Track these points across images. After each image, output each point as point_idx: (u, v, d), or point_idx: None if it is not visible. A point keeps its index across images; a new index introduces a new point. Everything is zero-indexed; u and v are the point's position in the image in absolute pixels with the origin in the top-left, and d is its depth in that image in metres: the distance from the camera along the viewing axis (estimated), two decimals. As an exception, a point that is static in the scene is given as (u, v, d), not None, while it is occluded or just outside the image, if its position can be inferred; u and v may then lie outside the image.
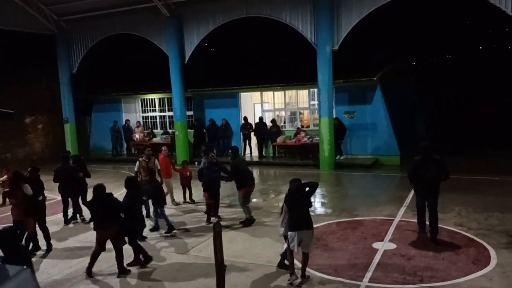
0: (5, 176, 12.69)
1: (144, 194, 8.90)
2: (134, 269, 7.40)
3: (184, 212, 10.97)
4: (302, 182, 6.80)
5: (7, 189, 12.41)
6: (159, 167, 10.92)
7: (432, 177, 7.94)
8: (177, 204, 11.63)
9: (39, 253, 8.44)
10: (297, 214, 6.52)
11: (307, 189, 6.77)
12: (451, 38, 31.64)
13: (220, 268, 5.06)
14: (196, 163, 11.32)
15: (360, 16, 14.87)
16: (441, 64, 33.71)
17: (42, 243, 8.57)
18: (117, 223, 7.23)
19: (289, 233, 6.49)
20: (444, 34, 30.52)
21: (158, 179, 10.51)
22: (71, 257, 8.20)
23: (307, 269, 6.71)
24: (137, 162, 10.75)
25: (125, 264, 7.36)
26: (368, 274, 6.70)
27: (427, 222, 8.33)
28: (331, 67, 15.38)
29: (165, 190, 10.65)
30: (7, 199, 11.37)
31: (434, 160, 8.06)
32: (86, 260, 7.44)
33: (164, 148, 12.20)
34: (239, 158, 9.98)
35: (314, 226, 7.12)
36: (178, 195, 11.92)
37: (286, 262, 6.90)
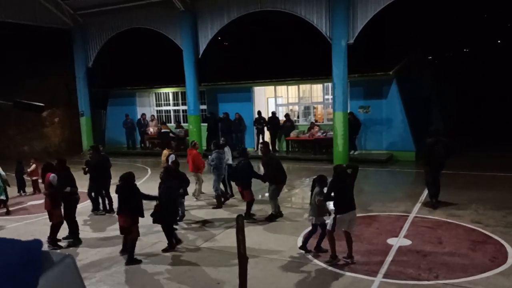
0: (33, 166, 13.02)
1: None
2: (150, 258, 7.49)
3: (194, 206, 11.03)
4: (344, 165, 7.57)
5: (35, 178, 12.82)
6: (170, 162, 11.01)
7: (442, 156, 9.75)
8: (197, 198, 11.68)
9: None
10: (346, 197, 7.03)
11: (349, 171, 7.38)
12: (468, 32, 31.07)
13: (243, 260, 5.13)
14: (209, 157, 11.34)
15: (376, 9, 14.65)
16: (458, 58, 33.17)
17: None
18: (133, 214, 7.41)
19: (338, 216, 6.88)
20: (461, 28, 29.99)
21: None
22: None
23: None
24: (173, 156, 11.03)
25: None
26: (383, 270, 6.66)
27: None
28: (346, 61, 15.22)
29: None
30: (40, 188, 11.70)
31: (442, 142, 9.85)
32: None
33: (194, 142, 12.26)
34: (269, 155, 9.93)
35: (328, 222, 7.38)
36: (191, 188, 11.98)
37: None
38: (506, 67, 27.90)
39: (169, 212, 7.89)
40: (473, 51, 33.56)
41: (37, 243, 1.22)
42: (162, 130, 19.89)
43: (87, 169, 10.65)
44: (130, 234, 7.46)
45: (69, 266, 1.32)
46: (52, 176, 8.37)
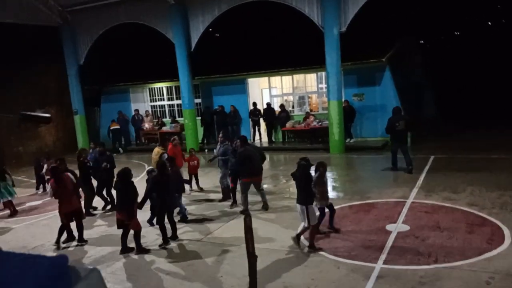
0: (46, 166, 13.09)
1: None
2: (152, 253, 7.55)
3: (193, 201, 11.08)
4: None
5: (47, 178, 12.90)
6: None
7: (402, 129, 11.85)
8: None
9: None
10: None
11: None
12: (459, 14, 31.05)
13: (252, 259, 5.20)
14: (215, 150, 11.37)
15: (367, -3, 14.65)
16: (449, 42, 33.19)
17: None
18: (128, 210, 7.56)
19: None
20: (451, 11, 29.95)
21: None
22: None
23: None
24: (166, 154, 11.01)
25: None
26: (383, 256, 6.75)
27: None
28: (339, 49, 15.23)
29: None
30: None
31: (403, 118, 11.99)
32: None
33: (173, 137, 12.26)
34: (246, 147, 9.64)
35: (327, 210, 7.71)
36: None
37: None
38: (496, 49, 27.99)
39: (158, 206, 8.08)
40: (464, 34, 33.57)
41: (64, 258, 1.25)
42: (112, 128, 20.12)
43: (108, 165, 10.58)
44: (127, 228, 7.65)
45: (96, 280, 1.35)
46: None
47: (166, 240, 8.04)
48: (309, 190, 7.27)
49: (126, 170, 7.81)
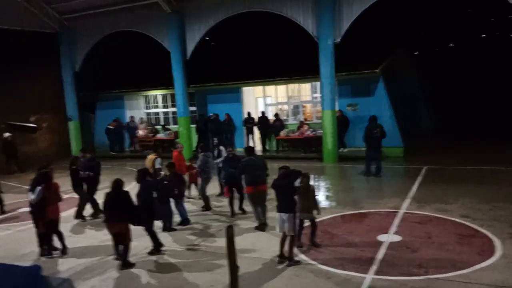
0: None
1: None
2: (143, 262, 7.51)
3: (193, 209, 11.04)
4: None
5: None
6: (157, 166, 10.99)
7: (377, 137, 12.81)
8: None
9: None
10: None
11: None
12: (453, 27, 31.43)
13: (234, 270, 5.20)
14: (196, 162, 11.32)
15: (362, 8, 14.80)
16: (444, 54, 33.53)
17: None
18: (124, 221, 7.40)
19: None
20: (446, 23, 30.32)
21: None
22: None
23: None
24: (159, 159, 11.02)
25: (128, 258, 7.61)
26: (374, 267, 6.76)
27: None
28: (333, 60, 15.34)
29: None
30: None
31: (378, 126, 12.86)
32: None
33: (179, 145, 12.27)
34: (249, 157, 9.34)
35: (320, 219, 7.77)
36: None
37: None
38: (490, 61, 28.30)
39: (148, 213, 7.84)
40: (458, 46, 33.95)
41: (37, 268, 1.26)
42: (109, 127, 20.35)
43: (91, 174, 10.48)
44: (124, 240, 7.47)
45: None
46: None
47: (157, 247, 7.98)
48: (293, 199, 7.21)
49: (117, 181, 7.60)
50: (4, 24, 18.16)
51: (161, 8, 17.78)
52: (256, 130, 18.90)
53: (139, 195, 7.99)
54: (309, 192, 7.73)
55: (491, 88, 25.83)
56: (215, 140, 12.65)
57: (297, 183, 7.48)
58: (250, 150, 9.71)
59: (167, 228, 9.20)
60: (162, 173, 10.26)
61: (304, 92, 19.55)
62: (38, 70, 20.13)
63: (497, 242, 7.42)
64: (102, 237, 8.95)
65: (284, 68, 18.20)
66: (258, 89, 20.09)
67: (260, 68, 18.91)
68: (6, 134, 17.44)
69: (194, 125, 19.61)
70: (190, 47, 18.19)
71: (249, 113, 18.80)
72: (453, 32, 32.22)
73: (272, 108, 20.02)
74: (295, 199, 7.25)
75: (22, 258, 8.16)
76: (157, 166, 10.94)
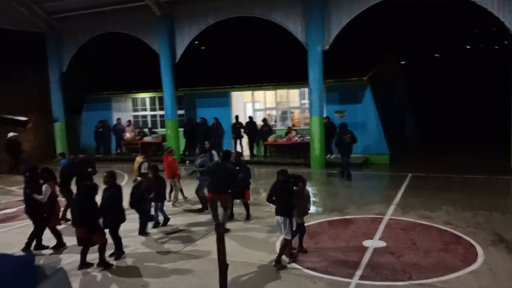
0: None
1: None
2: (130, 266, 7.46)
3: (176, 212, 11.01)
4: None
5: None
6: (142, 171, 10.96)
7: (348, 143, 13.47)
8: (173, 205, 11.62)
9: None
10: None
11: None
12: (439, 38, 32.03)
13: (223, 268, 5.23)
14: (195, 162, 11.39)
15: (351, 16, 14.99)
16: (430, 63, 34.12)
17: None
18: (89, 225, 7.38)
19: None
20: (432, 34, 30.88)
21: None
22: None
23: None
24: (146, 164, 10.98)
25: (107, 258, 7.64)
26: (359, 272, 6.83)
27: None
28: (321, 66, 15.50)
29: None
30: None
31: (349, 132, 13.48)
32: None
33: (170, 149, 12.22)
34: (218, 163, 9.50)
35: (306, 224, 7.83)
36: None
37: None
38: (476, 72, 28.88)
39: (113, 217, 7.75)
40: (445, 56, 34.58)
41: (30, 257, 1.28)
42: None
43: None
44: (90, 244, 7.44)
45: (62, 279, 1.38)
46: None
47: (120, 251, 7.96)
48: (290, 203, 7.26)
49: (87, 187, 7.60)
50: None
51: (151, 11, 17.75)
52: (244, 135, 18.92)
53: (105, 199, 7.81)
54: (303, 196, 7.74)
55: (475, 97, 26.33)
56: (207, 144, 12.63)
57: (296, 187, 7.53)
58: (225, 155, 9.34)
59: (142, 231, 9.17)
60: (139, 178, 10.26)
61: (293, 98, 19.67)
62: (24, 70, 19.88)
63: (479, 249, 7.57)
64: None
65: (273, 73, 18.31)
66: (247, 94, 20.15)
67: (249, 73, 18.98)
68: (10, 134, 17.36)
69: (182, 129, 19.56)
70: (180, 50, 18.18)
71: (237, 117, 18.83)
72: (438, 43, 32.82)
73: (261, 113, 20.08)
74: (293, 203, 7.28)
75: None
76: (143, 170, 10.90)
